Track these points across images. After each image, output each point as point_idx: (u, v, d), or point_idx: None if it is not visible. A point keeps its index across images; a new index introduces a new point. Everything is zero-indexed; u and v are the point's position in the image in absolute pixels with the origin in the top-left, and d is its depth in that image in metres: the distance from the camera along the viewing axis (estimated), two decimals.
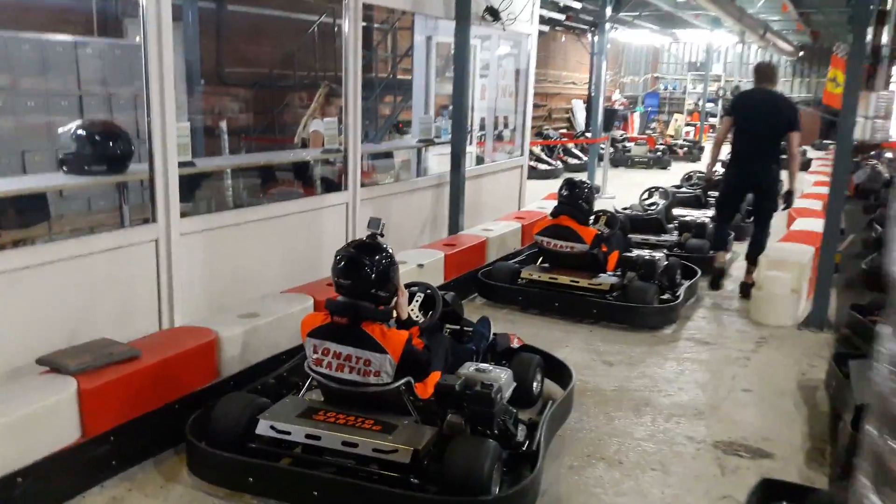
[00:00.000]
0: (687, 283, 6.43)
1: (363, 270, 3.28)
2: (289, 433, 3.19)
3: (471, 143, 8.72)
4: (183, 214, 4.43)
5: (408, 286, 4.13)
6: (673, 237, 7.97)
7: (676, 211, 9.07)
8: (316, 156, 6.33)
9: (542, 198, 9.59)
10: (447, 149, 7.27)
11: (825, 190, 10.60)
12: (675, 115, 25.70)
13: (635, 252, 6.27)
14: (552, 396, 4.31)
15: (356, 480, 3.02)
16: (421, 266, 5.65)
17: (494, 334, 4.37)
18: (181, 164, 4.37)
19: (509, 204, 9.08)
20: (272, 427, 3.20)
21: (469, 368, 3.61)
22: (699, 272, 6.78)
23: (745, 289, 6.64)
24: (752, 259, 6.62)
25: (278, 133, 10.05)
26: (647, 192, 8.82)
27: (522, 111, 9.70)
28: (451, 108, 7.43)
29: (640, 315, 5.67)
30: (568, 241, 6.03)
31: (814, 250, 6.68)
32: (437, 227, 7.29)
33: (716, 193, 7.83)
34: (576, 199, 6.15)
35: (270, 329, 4.23)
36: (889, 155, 15.29)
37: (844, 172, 6.03)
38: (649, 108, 26.93)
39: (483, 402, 3.21)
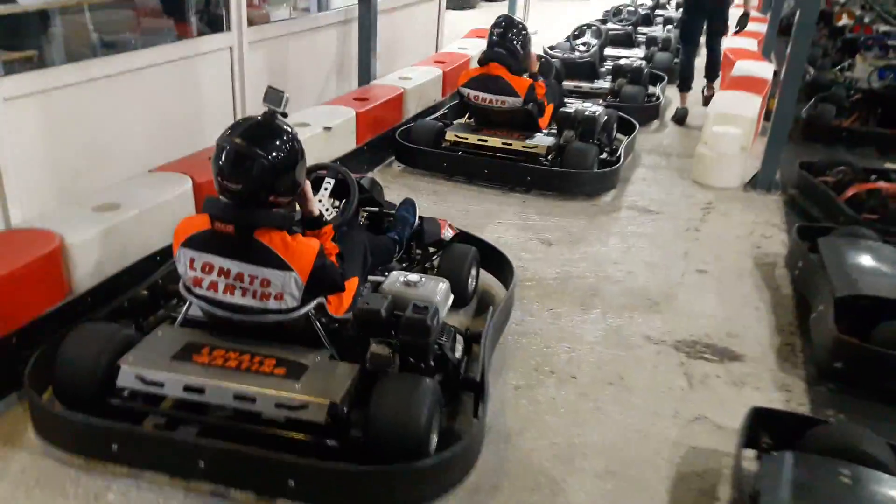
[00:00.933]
0: (626, 140, 5.80)
1: (256, 170, 2.40)
2: (161, 384, 2.42)
3: None
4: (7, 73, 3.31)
5: (312, 169, 3.27)
6: (606, 84, 7.21)
7: (607, 51, 8.26)
8: None
9: (461, 36, 8.52)
10: None
11: (761, 27, 10.07)
12: None
13: (572, 106, 5.50)
14: (489, 291, 3.71)
15: (253, 450, 2.28)
16: (328, 129, 4.72)
17: (421, 219, 3.62)
18: None
19: (426, 44, 7.98)
20: (139, 377, 2.42)
21: (397, 283, 2.88)
22: (637, 126, 6.14)
23: (706, 102, 7.08)
24: (711, 77, 7.27)
25: None
26: (577, 31, 7.90)
27: None
28: None
29: (578, 182, 5.02)
30: (499, 94, 5.18)
31: (760, 100, 6.13)
32: (344, 76, 6.23)
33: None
34: (510, 44, 5.24)
35: (136, 225, 3.33)
36: None
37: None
38: None
39: (416, 331, 2.49)
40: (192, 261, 2.53)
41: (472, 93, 5.27)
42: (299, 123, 4.68)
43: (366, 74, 6.18)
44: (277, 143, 2.47)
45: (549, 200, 5.00)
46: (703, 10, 6.86)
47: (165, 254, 3.36)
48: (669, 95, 7.96)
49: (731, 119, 5.52)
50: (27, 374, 2.54)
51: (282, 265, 2.46)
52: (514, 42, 5.26)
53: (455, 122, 5.84)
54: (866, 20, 9.92)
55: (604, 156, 5.46)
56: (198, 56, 4.51)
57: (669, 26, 10.65)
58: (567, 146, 5.18)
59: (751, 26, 10.22)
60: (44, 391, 2.58)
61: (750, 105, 5.84)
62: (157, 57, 4.21)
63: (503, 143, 5.18)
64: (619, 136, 6.23)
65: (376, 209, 3.54)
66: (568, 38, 8.21)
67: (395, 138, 5.45)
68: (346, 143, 5.03)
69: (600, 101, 6.16)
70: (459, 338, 2.93)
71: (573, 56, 7.19)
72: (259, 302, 2.51)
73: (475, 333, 3.01)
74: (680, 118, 7.11)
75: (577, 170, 5.00)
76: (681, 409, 2.92)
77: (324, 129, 4.68)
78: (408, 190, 5.05)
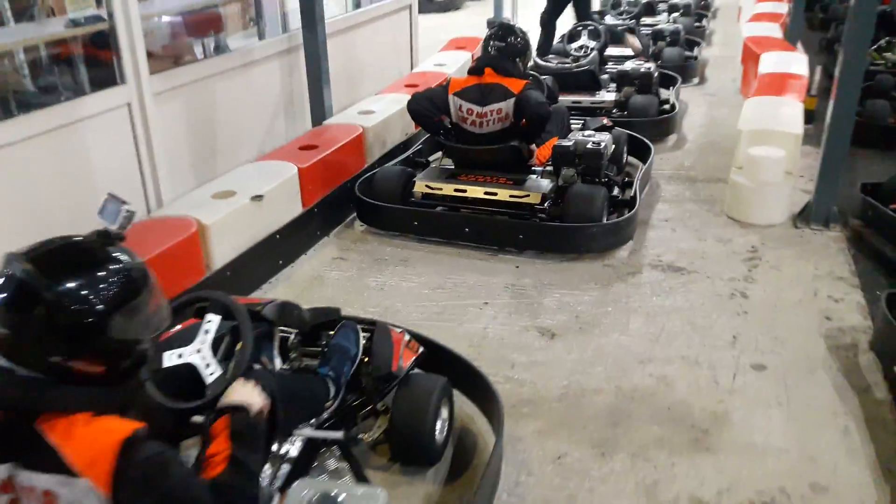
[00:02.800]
0: (641, 169, 4.72)
1: (36, 317, 1.42)
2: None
3: None
4: None
5: (185, 305, 2.21)
6: (611, 95, 6.10)
7: (609, 51, 7.14)
8: (56, 33, 3.91)
9: (440, 48, 7.44)
10: None
11: (780, 6, 8.89)
12: None
13: (571, 136, 4.41)
14: (470, 428, 2.65)
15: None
16: (258, 199, 3.67)
17: (371, 333, 2.58)
18: None
19: (399, 62, 6.92)
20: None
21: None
22: (652, 149, 5.05)
23: None
24: None
25: None
26: (571, 31, 6.77)
27: None
28: None
29: (585, 238, 3.94)
30: (495, 102, 4.15)
31: (802, 107, 5.01)
32: (294, 116, 5.19)
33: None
34: (509, 50, 4.29)
35: None
36: None
37: None
38: None
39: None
40: None
41: (465, 105, 4.20)
42: (222, 193, 3.65)
43: (319, 111, 5.13)
44: (89, 279, 1.46)
45: (548, 263, 3.93)
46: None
47: None
48: (685, 99, 6.86)
49: (770, 136, 4.42)
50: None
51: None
52: (514, 49, 4.30)
53: (432, 160, 4.78)
54: None
55: (616, 192, 4.39)
56: (80, 122, 3.48)
57: (675, 14, 9.54)
58: (568, 189, 4.10)
59: (769, 5, 9.08)
60: None
61: (791, 115, 4.73)
62: (19, 131, 3.18)
63: (486, 194, 4.12)
64: (631, 160, 5.16)
65: (293, 337, 2.49)
66: (562, 40, 7.12)
67: (353, 192, 4.40)
68: (288, 209, 3.98)
69: (605, 120, 5.06)
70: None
71: (568, 65, 6.07)
72: None
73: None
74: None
75: (582, 223, 3.92)
76: None
77: (252, 200, 3.63)
78: (369, 261, 4.01)
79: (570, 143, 4.19)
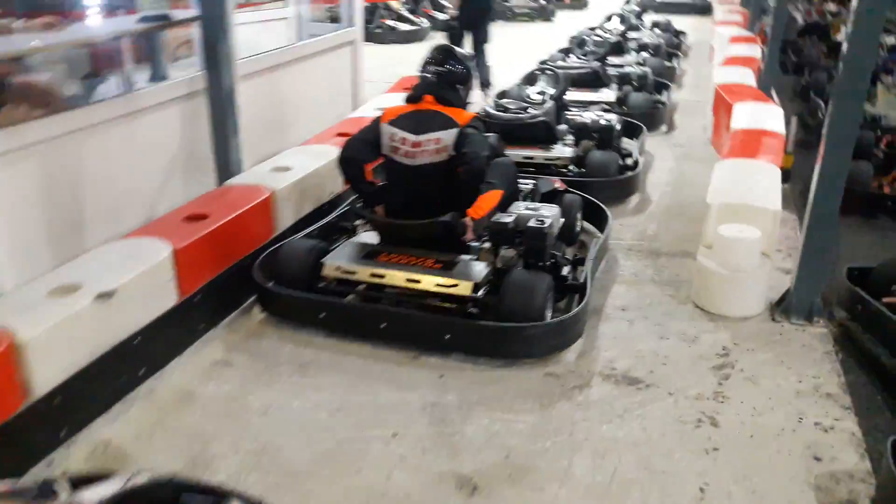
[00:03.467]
0: (596, 244, 4.06)
1: None
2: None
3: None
4: None
5: None
6: (568, 148, 5.44)
7: (571, 94, 6.53)
8: None
9: (387, 89, 6.76)
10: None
11: (751, 50, 8.37)
12: None
13: (510, 216, 3.73)
14: None
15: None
16: (105, 296, 2.90)
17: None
18: None
19: (336, 106, 6.21)
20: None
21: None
22: (609, 217, 4.40)
23: None
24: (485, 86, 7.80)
25: None
26: (528, 76, 6.14)
27: None
28: None
29: (523, 340, 3.24)
30: (434, 130, 3.53)
31: (780, 174, 4.41)
32: (197, 173, 4.45)
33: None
34: (450, 77, 3.69)
35: None
36: None
37: None
38: None
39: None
40: None
41: (399, 134, 3.56)
42: (61, 290, 2.87)
43: (225, 168, 4.40)
44: None
45: (480, 370, 3.22)
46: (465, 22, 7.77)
47: None
48: (651, 150, 6.27)
49: (744, 212, 3.79)
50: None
51: None
52: (455, 76, 3.70)
53: (361, 224, 4.04)
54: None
55: (566, 271, 3.71)
56: None
57: (645, 54, 9.01)
58: (505, 272, 3.41)
59: (742, 48, 8.58)
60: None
61: (769, 185, 4.11)
62: None
63: (408, 281, 3.41)
64: (587, 226, 4.52)
65: None
66: (519, 85, 6.50)
67: (252, 271, 3.66)
68: (155, 303, 3.18)
69: (556, 183, 4.42)
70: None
71: (520, 116, 5.41)
72: None
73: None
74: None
75: (519, 321, 3.22)
76: None
77: (97, 297, 2.85)
78: (260, 367, 3.26)
79: (509, 220, 3.51)
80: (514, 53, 10.54)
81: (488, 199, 3.49)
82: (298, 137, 5.32)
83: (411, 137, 3.57)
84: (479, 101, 8.12)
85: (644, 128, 6.25)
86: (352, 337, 3.43)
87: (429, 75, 3.72)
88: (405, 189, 3.65)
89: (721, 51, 9.16)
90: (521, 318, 3.22)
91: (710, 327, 3.59)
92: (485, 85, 7.86)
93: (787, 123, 5.62)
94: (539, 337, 3.22)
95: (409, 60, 9.73)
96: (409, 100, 3.72)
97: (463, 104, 3.76)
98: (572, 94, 6.68)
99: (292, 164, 4.52)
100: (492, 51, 8.10)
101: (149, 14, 4.44)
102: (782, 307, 3.68)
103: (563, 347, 3.33)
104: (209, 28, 4.16)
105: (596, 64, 7.40)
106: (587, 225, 4.61)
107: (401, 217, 3.63)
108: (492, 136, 4.29)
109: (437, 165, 3.56)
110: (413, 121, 3.61)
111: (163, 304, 3.21)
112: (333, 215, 4.28)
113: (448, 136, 3.53)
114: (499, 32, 12.37)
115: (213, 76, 4.25)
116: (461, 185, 3.49)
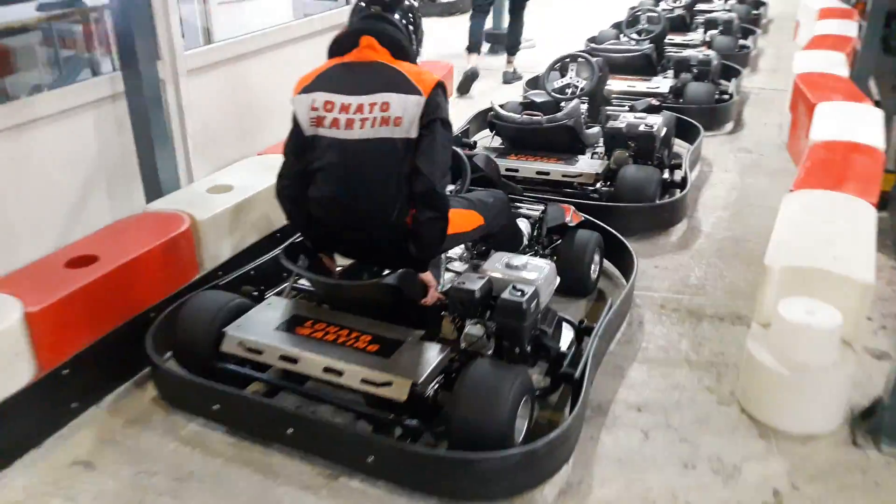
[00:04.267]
0: (605, 314, 2.99)
1: None
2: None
3: None
4: None
5: None
6: (595, 161, 4.31)
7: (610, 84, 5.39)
8: None
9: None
10: None
11: (846, 27, 6.92)
12: None
13: (496, 256, 2.75)
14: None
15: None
16: None
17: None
18: None
19: None
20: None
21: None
22: (635, 261, 3.34)
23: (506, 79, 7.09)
24: (512, 51, 7.23)
25: None
26: (559, 64, 4.98)
27: None
28: None
29: (477, 477, 2.24)
30: (378, 91, 2.39)
31: (873, 213, 3.22)
32: (122, 196, 3.61)
33: None
34: (403, 13, 2.58)
35: None
36: None
37: None
38: None
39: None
40: None
41: (322, 97, 2.42)
42: None
43: (154, 186, 3.54)
44: None
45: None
46: None
47: None
48: (709, 157, 5.11)
49: (819, 280, 2.65)
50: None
51: None
52: (405, 17, 2.58)
53: (302, 262, 3.10)
54: None
55: (561, 344, 2.71)
56: None
57: (713, 31, 7.71)
58: (464, 370, 2.41)
59: (832, 24, 7.14)
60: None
61: (859, 236, 2.93)
62: None
63: (327, 371, 2.45)
64: (609, 268, 3.50)
65: None
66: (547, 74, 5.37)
67: (146, 336, 2.79)
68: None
69: (567, 210, 3.40)
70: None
71: (538, 119, 4.29)
72: None
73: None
74: (466, 80, 6.64)
75: (474, 447, 2.23)
76: None
77: None
78: (127, 474, 2.40)
79: (475, 287, 2.51)
80: (563, 26, 9.34)
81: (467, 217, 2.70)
82: (274, 140, 4.42)
83: (341, 98, 2.40)
84: (504, 67, 7.27)
85: (700, 128, 5.08)
86: (257, 437, 2.54)
87: (365, 14, 2.53)
88: (341, 177, 2.43)
89: (807, 27, 7.76)
90: (478, 437, 2.24)
91: (760, 450, 2.52)
92: (511, 50, 7.23)
93: (889, 128, 4.39)
94: (499, 473, 2.23)
95: (448, 39, 8.62)
96: (335, 52, 2.53)
97: (412, 54, 2.55)
98: (614, 83, 5.54)
99: (236, 181, 3.62)
100: (530, 16, 7.33)
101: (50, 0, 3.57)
102: (870, 424, 2.57)
103: (536, 483, 2.33)
104: (123, 15, 3.27)
105: (648, 46, 6.17)
106: (610, 266, 3.58)
107: (339, 231, 2.54)
108: (480, 156, 3.26)
109: (389, 144, 2.38)
110: (342, 78, 2.44)
111: (9, 386, 2.39)
112: (275, 252, 3.35)
113: (405, 103, 2.35)
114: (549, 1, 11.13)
115: (130, 75, 3.36)
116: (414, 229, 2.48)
